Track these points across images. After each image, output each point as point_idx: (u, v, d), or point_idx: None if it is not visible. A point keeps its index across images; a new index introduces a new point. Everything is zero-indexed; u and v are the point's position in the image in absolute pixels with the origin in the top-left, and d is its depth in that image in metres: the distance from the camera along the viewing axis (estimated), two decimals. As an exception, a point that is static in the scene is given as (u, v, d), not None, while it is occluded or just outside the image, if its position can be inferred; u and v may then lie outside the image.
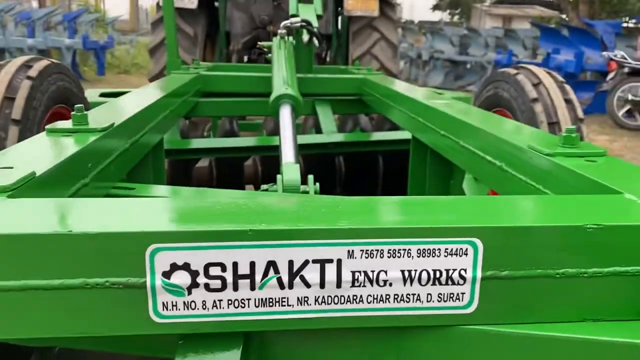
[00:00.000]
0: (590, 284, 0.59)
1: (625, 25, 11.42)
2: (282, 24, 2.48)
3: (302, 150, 2.46)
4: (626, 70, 7.53)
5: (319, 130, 2.65)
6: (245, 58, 4.91)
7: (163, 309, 0.55)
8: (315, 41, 2.59)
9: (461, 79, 13.52)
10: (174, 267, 0.54)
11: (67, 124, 1.04)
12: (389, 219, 0.60)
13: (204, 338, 0.60)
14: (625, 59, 7.60)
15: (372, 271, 0.56)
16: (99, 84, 10.15)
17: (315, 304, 0.57)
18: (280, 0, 4.76)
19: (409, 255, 0.56)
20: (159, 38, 4.49)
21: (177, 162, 2.41)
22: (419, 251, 0.56)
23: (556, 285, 0.59)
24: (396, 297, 0.57)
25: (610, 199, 0.69)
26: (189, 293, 0.55)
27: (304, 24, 2.47)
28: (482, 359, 0.61)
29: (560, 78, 1.87)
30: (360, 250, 0.56)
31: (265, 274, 0.55)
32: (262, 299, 0.56)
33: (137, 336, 0.60)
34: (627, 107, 7.49)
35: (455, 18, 31.94)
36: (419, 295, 0.57)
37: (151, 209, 0.60)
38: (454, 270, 0.57)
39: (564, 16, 19.33)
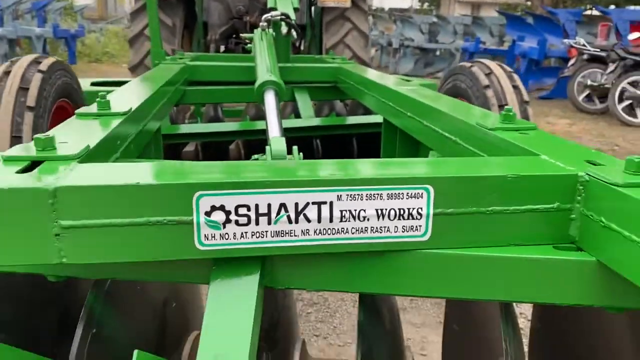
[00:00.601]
0: (511, 218, 0.82)
1: (586, 13, 11.84)
2: (264, 17, 2.68)
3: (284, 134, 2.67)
4: (585, 57, 7.91)
5: (297, 116, 2.87)
6: (222, 48, 5.06)
7: (205, 239, 0.76)
8: (294, 33, 2.79)
9: (431, 66, 13.84)
10: (213, 208, 0.75)
11: (92, 108, 1.23)
12: (366, 172, 0.81)
13: (232, 264, 0.81)
14: (585, 46, 7.98)
15: (355, 210, 0.78)
16: (72, 74, 10.10)
17: (314, 234, 0.78)
18: None
19: (380, 198, 0.78)
20: (139, 28, 4.62)
21: (168, 146, 2.59)
22: (388, 195, 0.78)
23: (487, 219, 0.82)
24: (372, 229, 0.79)
25: (528, 159, 0.93)
26: (224, 227, 0.76)
27: (283, 17, 2.67)
28: (434, 275, 0.83)
29: (509, 69, 2.13)
30: (346, 195, 0.77)
31: (278, 212, 0.77)
32: (275, 231, 0.77)
33: (181, 265, 0.81)
34: (587, 92, 7.88)
35: (425, 5, 32.29)
36: (388, 227, 0.80)
37: (193, 167, 0.81)
38: (413, 208, 0.79)
39: (529, 4, 19.82)
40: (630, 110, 6.97)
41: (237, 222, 0.76)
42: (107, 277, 0.96)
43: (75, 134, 1.04)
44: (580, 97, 7.93)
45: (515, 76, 2.15)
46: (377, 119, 2.78)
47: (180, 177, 0.76)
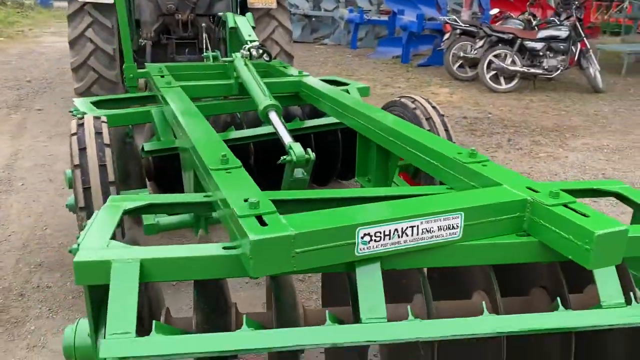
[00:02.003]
0: (497, 222, 1.66)
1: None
2: (246, 47, 3.30)
3: (257, 139, 3.36)
4: (458, 31, 9.16)
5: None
6: (149, 46, 5.33)
7: (359, 250, 1.51)
8: (266, 56, 3.45)
9: (316, 32, 14.65)
10: (365, 234, 1.50)
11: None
12: (434, 207, 1.60)
13: (371, 260, 1.56)
14: (457, 22, 9.22)
15: (429, 228, 1.57)
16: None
17: (410, 241, 1.57)
18: None
19: (440, 220, 1.58)
20: (79, 30, 4.85)
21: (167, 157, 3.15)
22: (444, 219, 1.59)
23: (486, 224, 1.65)
24: (437, 236, 1.59)
25: (502, 189, 1.75)
26: (368, 242, 1.51)
27: (262, 47, 3.32)
28: (462, 253, 1.65)
29: (441, 112, 3.05)
30: (424, 221, 1.56)
31: (394, 233, 1.54)
32: (392, 242, 1.54)
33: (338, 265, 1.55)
34: (460, 62, 9.18)
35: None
36: (444, 234, 1.60)
37: (354, 210, 1.54)
38: (456, 224, 1.60)
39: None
40: (495, 78, 8.35)
41: (374, 240, 1.52)
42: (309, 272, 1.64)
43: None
44: (455, 67, 9.22)
45: (431, 101, 3.13)
46: (331, 120, 3.58)
47: (350, 220, 1.50)
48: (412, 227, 1.55)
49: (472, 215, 1.62)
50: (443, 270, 1.96)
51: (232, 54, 3.48)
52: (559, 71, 8.30)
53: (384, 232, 1.53)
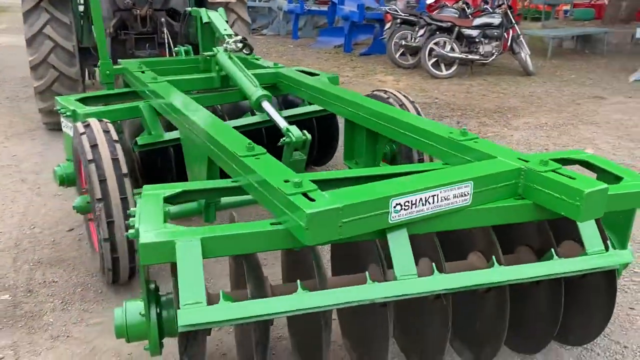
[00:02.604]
0: (497, 189, 1.94)
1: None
2: (229, 42, 3.44)
3: (246, 129, 3.53)
4: (398, 21, 9.55)
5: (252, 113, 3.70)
6: (108, 42, 5.29)
7: (392, 218, 1.75)
8: (246, 50, 3.61)
9: (254, 23, 14.69)
10: (397, 204, 1.74)
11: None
12: (449, 178, 1.85)
13: (400, 226, 1.80)
14: (397, 12, 9.60)
15: (447, 196, 1.83)
16: None
17: (432, 208, 1.82)
18: None
19: (455, 189, 1.84)
20: (37, 28, 4.77)
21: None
22: (458, 187, 1.85)
23: (489, 191, 1.93)
24: (452, 202, 1.85)
25: (499, 161, 2.04)
26: (399, 211, 1.76)
27: (244, 40, 3.47)
28: (471, 216, 1.92)
29: (411, 99, 3.31)
30: (443, 191, 1.82)
31: (419, 202, 1.79)
32: (417, 210, 1.79)
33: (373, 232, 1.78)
34: (401, 50, 9.58)
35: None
36: (457, 201, 1.86)
37: (387, 184, 1.77)
38: (467, 192, 1.87)
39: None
40: (437, 65, 8.80)
41: (404, 208, 1.77)
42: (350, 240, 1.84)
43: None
44: (397, 55, 9.61)
45: (400, 91, 3.42)
46: (309, 108, 3.79)
47: (384, 193, 1.73)
48: (433, 196, 1.81)
49: (479, 184, 1.90)
50: (445, 234, 2.24)
51: (214, 48, 3.61)
52: (494, 56, 8.86)
53: (412, 201, 1.78)
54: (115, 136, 2.58)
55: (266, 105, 2.96)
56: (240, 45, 3.58)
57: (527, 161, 2.01)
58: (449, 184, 1.83)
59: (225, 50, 3.52)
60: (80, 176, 2.93)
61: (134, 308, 1.87)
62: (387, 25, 9.77)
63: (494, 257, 1.89)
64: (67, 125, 3.22)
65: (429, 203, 1.81)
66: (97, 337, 2.43)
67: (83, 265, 3.01)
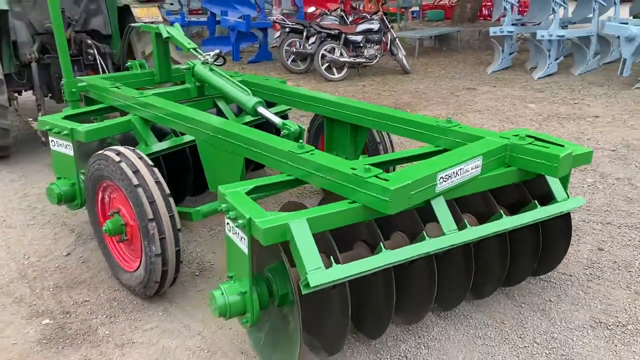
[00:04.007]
0: (491, 161, 2.58)
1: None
2: (209, 54, 3.75)
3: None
4: (287, 29, 10.13)
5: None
6: (34, 67, 5.19)
7: (437, 189, 2.31)
8: (220, 61, 3.95)
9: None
10: (441, 177, 2.30)
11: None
12: (467, 155, 2.44)
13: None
14: (285, 21, 10.18)
15: (466, 170, 2.41)
16: None
17: (456, 180, 2.41)
18: (62, 9, 5.24)
19: (470, 162, 2.44)
20: None
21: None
22: (472, 161, 2.45)
23: (488, 162, 2.55)
24: (470, 173, 2.44)
25: (491, 140, 2.65)
26: (439, 183, 2.32)
27: (220, 53, 3.83)
28: (480, 182, 2.52)
29: None
30: (464, 165, 2.41)
31: (450, 176, 2.37)
32: (450, 181, 2.37)
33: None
34: (292, 57, 10.18)
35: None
36: (473, 172, 2.45)
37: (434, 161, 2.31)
38: (478, 164, 2.48)
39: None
40: (329, 69, 9.54)
41: (444, 180, 2.33)
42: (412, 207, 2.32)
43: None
44: (289, 62, 10.19)
45: None
46: (279, 108, 4.18)
47: (433, 169, 2.27)
48: (460, 169, 2.39)
49: (485, 157, 2.52)
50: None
51: (190, 62, 3.88)
52: (377, 59, 9.82)
53: (449, 174, 2.34)
54: (149, 161, 2.80)
55: (261, 109, 3.35)
56: (214, 57, 3.90)
57: (507, 138, 2.68)
58: (469, 159, 2.42)
59: (205, 62, 3.82)
60: (97, 198, 3.06)
61: (231, 289, 2.20)
62: (277, 34, 10.31)
63: (500, 210, 2.52)
64: (59, 144, 3.30)
65: (458, 175, 2.38)
66: (160, 339, 2.67)
67: (103, 284, 3.15)
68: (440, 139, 2.95)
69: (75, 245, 3.62)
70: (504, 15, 10.26)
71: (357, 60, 9.58)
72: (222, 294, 2.19)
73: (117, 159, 2.75)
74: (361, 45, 9.69)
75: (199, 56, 3.91)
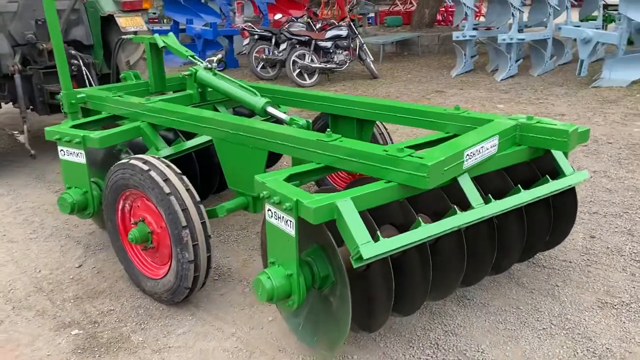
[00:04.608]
0: (505, 140, 2.72)
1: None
2: (210, 59, 3.80)
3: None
4: (256, 36, 10.20)
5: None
6: (18, 78, 5.07)
7: (464, 165, 2.46)
8: (223, 64, 4.01)
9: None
10: (467, 155, 2.46)
11: None
12: (484, 136, 2.59)
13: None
14: (253, 28, 10.24)
15: (487, 148, 2.56)
16: None
17: (479, 157, 2.57)
18: (43, 19, 5.17)
19: (490, 141, 2.60)
20: None
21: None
22: (490, 141, 2.61)
23: (504, 141, 2.71)
24: (490, 151, 2.59)
25: (501, 122, 2.83)
26: (465, 160, 2.48)
27: (221, 59, 3.89)
28: (496, 163, 2.67)
29: None
30: (484, 144, 2.56)
31: (475, 153, 2.53)
32: (475, 159, 2.53)
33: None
34: (262, 63, 10.26)
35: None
36: (492, 150, 2.60)
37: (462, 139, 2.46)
38: (495, 143, 2.64)
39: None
40: (300, 75, 9.67)
41: (469, 157, 2.47)
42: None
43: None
44: (258, 68, 10.26)
45: None
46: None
47: (460, 147, 2.42)
48: (482, 147, 2.54)
49: (500, 137, 2.67)
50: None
51: (191, 68, 3.92)
52: (347, 64, 10.02)
53: (473, 152, 2.49)
54: (177, 169, 2.84)
55: (271, 109, 3.43)
56: (217, 62, 3.96)
57: (515, 119, 2.86)
58: (488, 137, 2.57)
59: (209, 68, 3.87)
60: (117, 207, 3.07)
61: (276, 272, 2.27)
62: (246, 41, 10.35)
63: (518, 185, 2.69)
64: (69, 153, 3.28)
65: (479, 152, 2.53)
66: (195, 342, 2.71)
67: (124, 293, 3.16)
68: (450, 125, 3.09)
69: (85, 257, 3.59)
70: (465, 20, 10.67)
71: (328, 65, 9.75)
72: (269, 278, 2.26)
73: (146, 167, 2.77)
74: (331, 51, 9.87)
75: (199, 62, 3.96)
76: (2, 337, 2.77)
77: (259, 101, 3.48)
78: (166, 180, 2.73)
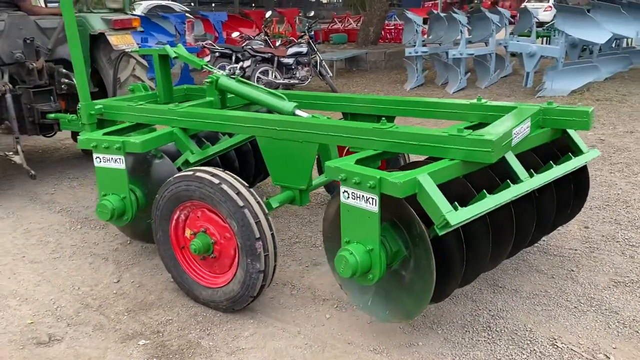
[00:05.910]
0: (531, 124, 3.10)
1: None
2: (230, 68, 3.93)
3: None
4: (217, 54, 10.28)
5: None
6: (9, 98, 4.93)
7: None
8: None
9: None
10: (514, 133, 2.76)
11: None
12: (522, 117, 2.89)
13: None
14: (213, 45, 10.32)
15: (524, 128, 2.88)
16: None
17: (519, 135, 2.89)
18: (31, 38, 5.08)
19: (526, 122, 2.93)
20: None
21: None
22: (526, 122, 2.94)
23: (531, 128, 3.08)
24: (524, 132, 2.89)
25: (526, 108, 3.13)
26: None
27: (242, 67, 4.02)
28: (529, 142, 2.98)
29: None
30: (524, 125, 2.89)
31: (519, 169, 2.84)
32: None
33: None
34: (223, 81, 10.33)
35: None
36: (526, 131, 2.92)
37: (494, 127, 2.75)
38: (529, 126, 2.94)
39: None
40: (264, 91, 9.83)
41: (515, 136, 2.77)
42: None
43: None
44: (220, 86, 10.32)
45: None
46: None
47: (510, 126, 2.71)
48: (522, 127, 2.83)
49: (531, 119, 2.97)
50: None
51: (212, 75, 4.02)
52: (309, 80, 10.30)
53: (517, 131, 2.78)
54: (244, 182, 2.94)
55: (299, 112, 3.60)
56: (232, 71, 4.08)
57: (538, 105, 3.18)
58: (524, 120, 2.87)
59: (232, 75, 4.00)
60: (172, 217, 3.11)
61: (358, 248, 2.44)
62: (207, 58, 10.39)
63: (550, 161, 3.02)
64: (106, 159, 3.30)
65: (520, 132, 2.80)
66: (266, 342, 2.83)
67: (174, 303, 3.20)
68: (473, 115, 3.37)
69: (120, 272, 3.59)
70: (415, 37, 11.26)
71: (291, 81, 9.98)
72: (351, 253, 2.43)
73: (217, 181, 2.85)
74: (293, 67, 10.11)
75: (216, 71, 4.08)
76: (69, 352, 2.76)
77: (287, 105, 3.64)
78: (238, 193, 2.83)
